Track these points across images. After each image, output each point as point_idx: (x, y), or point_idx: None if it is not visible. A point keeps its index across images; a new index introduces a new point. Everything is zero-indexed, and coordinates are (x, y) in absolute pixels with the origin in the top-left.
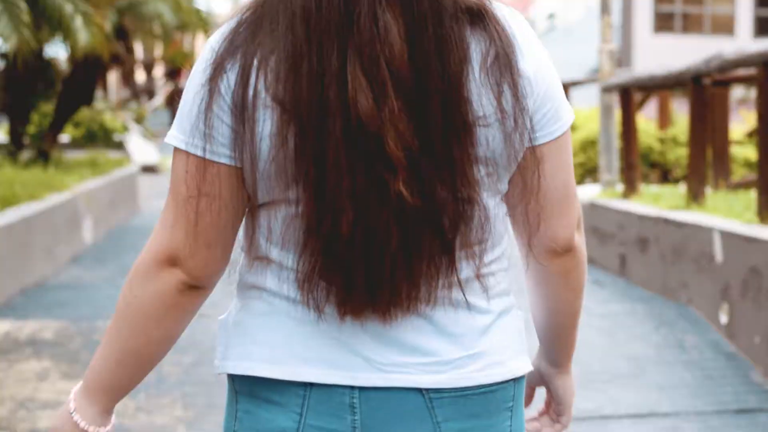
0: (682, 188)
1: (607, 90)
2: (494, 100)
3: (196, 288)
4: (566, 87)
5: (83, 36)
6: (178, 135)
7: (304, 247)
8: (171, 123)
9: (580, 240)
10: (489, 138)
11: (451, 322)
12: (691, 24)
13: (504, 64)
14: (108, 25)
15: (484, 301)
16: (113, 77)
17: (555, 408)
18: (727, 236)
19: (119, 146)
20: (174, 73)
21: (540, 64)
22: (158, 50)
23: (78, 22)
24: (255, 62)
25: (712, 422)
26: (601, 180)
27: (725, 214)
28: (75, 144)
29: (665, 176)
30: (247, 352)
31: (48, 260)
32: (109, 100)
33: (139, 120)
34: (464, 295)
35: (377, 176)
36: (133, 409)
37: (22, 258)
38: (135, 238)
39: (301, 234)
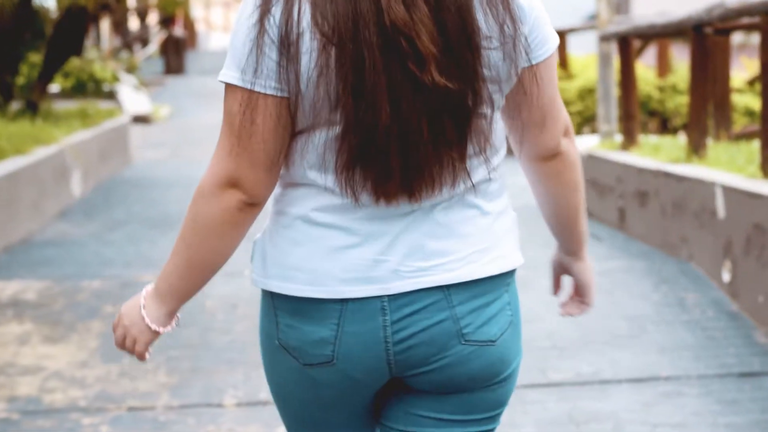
0: (682, 139)
1: (605, 39)
2: (497, 27)
3: (253, 205)
4: (563, 34)
5: None
6: (230, 72)
7: (341, 145)
8: (165, 71)
9: (568, 144)
10: (493, 57)
11: (462, 223)
12: None
13: None
14: None
15: (486, 203)
16: (106, 25)
17: (579, 290)
18: (730, 191)
19: (110, 96)
20: (168, 21)
21: None
22: None
23: None
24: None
25: (715, 386)
26: (600, 131)
27: (727, 167)
28: (65, 94)
29: (664, 125)
30: (289, 274)
31: (34, 216)
32: (101, 48)
33: (131, 70)
34: (475, 191)
35: (410, 72)
36: (116, 374)
37: (8, 214)
38: (126, 190)
39: (339, 142)
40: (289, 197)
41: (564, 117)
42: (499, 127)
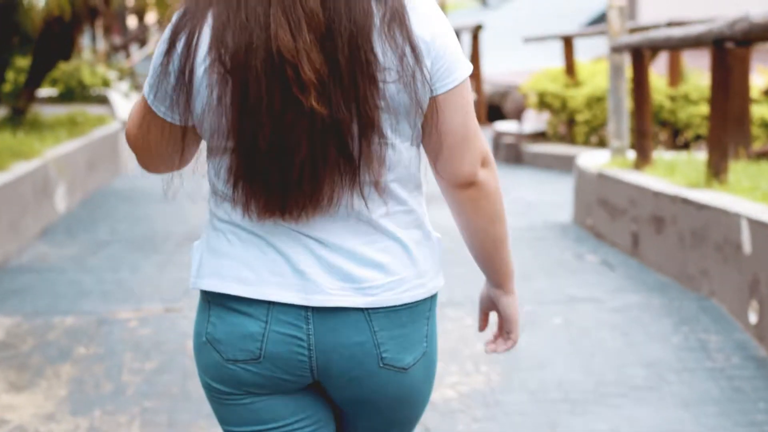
0: (699, 156)
1: (616, 50)
2: (396, 58)
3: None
4: (569, 39)
5: None
6: (147, 81)
7: (230, 162)
8: None
9: (486, 174)
10: (392, 91)
11: (380, 251)
12: None
13: (399, 23)
14: None
15: (402, 231)
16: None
17: (505, 325)
18: (757, 225)
19: (102, 100)
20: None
21: (434, 26)
22: None
23: None
24: (198, 30)
25: None
26: (610, 147)
27: (751, 194)
28: (54, 99)
29: (675, 135)
30: (221, 273)
31: (13, 237)
32: (97, 49)
33: (123, 75)
34: (387, 218)
35: (293, 97)
36: (86, 429)
37: None
38: (113, 204)
39: (229, 160)
40: (217, 203)
41: (481, 146)
42: (412, 156)
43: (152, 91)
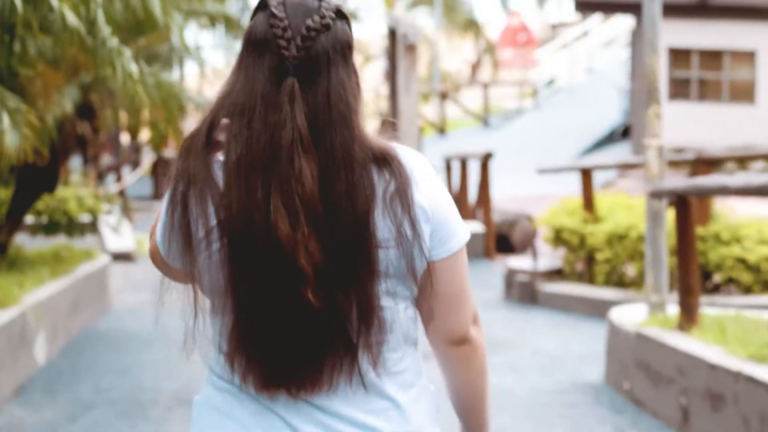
0: (748, 313)
1: (656, 195)
2: (394, 229)
3: None
4: (588, 172)
5: (11, 138)
6: (157, 233)
7: (230, 338)
8: (153, 195)
9: (475, 332)
10: (390, 257)
11: (375, 416)
12: (708, 91)
13: (402, 197)
14: (69, 105)
15: (400, 393)
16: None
17: None
18: None
19: (91, 228)
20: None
21: (434, 196)
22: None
23: (5, 122)
24: (200, 198)
25: None
26: (648, 301)
27: None
28: (39, 228)
29: (705, 277)
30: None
31: None
32: (87, 170)
33: (113, 204)
34: (366, 387)
35: (290, 286)
36: None
37: None
38: (98, 351)
39: (228, 331)
40: (215, 359)
41: (472, 304)
42: (409, 317)
43: (163, 242)
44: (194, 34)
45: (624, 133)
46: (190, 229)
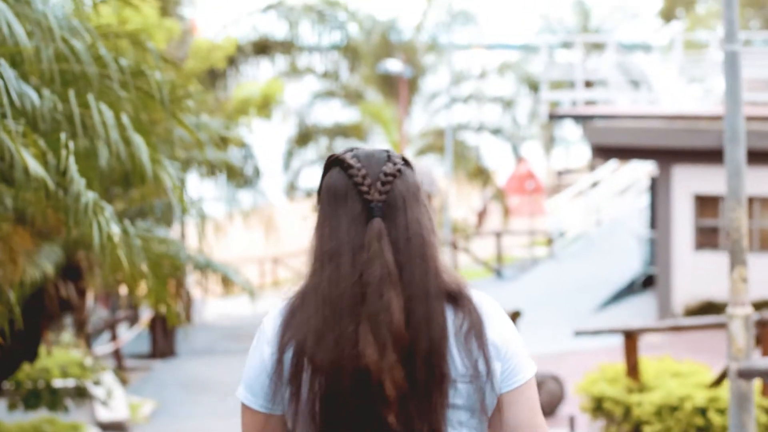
0: None
1: (746, 376)
2: (470, 365)
3: None
4: (633, 334)
5: None
6: (246, 395)
7: None
8: (151, 354)
9: None
10: (464, 391)
11: None
12: None
13: (477, 336)
14: (49, 266)
15: None
16: (89, 297)
17: None
18: None
19: (79, 394)
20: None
21: (505, 334)
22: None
23: None
24: (293, 341)
25: None
26: None
27: None
28: (18, 403)
29: None
30: None
31: None
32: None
33: (99, 371)
34: None
35: (373, 410)
36: None
37: None
38: None
39: None
40: None
41: None
42: None
43: (264, 397)
44: (196, 185)
45: (644, 283)
46: (284, 365)
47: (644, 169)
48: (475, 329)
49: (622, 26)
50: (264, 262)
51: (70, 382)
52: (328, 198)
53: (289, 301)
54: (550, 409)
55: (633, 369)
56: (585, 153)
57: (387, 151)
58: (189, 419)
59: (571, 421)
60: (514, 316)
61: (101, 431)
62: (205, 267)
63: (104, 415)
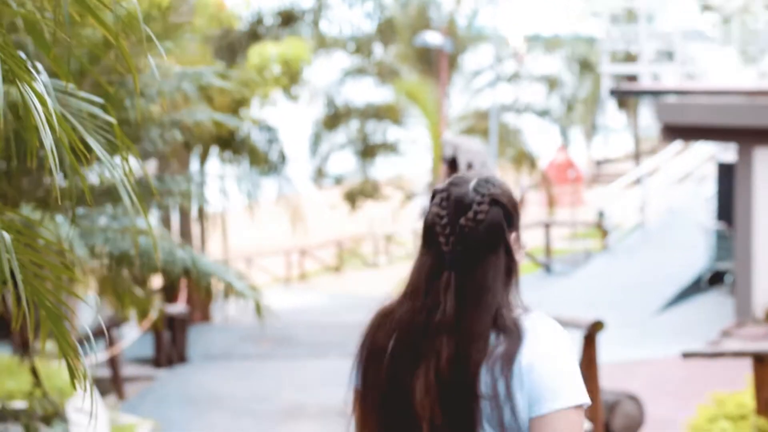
0: None
1: None
2: (491, 386)
3: None
4: (765, 358)
5: None
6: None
7: None
8: (155, 361)
9: None
10: (487, 410)
11: None
12: None
13: (504, 360)
14: None
15: None
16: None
17: None
18: None
19: (52, 418)
20: (170, 290)
21: (539, 356)
22: None
23: None
24: (365, 359)
25: None
26: None
27: None
28: None
29: None
30: None
31: None
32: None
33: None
34: None
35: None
36: None
37: None
38: None
39: None
40: None
41: None
42: None
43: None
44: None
45: (711, 280)
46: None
47: (706, 154)
48: (506, 354)
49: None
50: (291, 253)
51: (42, 404)
52: (423, 233)
53: (372, 321)
54: None
55: (765, 403)
56: (626, 142)
57: (477, 190)
58: None
59: None
60: (596, 327)
61: None
62: (193, 269)
63: None
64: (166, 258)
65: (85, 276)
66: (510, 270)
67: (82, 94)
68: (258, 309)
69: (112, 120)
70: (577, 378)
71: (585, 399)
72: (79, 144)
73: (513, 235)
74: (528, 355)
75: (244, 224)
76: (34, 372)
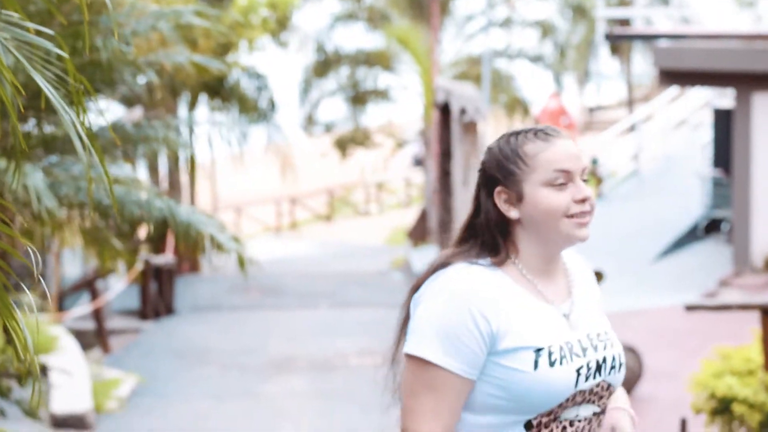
0: None
1: None
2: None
3: None
4: None
5: None
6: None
7: None
8: (141, 314)
9: None
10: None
11: None
12: None
13: (408, 292)
14: None
15: None
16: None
17: None
18: None
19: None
20: (157, 239)
21: (417, 303)
22: None
23: None
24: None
25: None
26: None
27: None
28: None
29: None
30: None
31: None
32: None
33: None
34: None
35: None
36: None
37: None
38: None
39: None
40: None
41: (403, 424)
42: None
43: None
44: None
45: (707, 228)
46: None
47: (702, 101)
48: (413, 286)
49: None
50: (281, 202)
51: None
52: None
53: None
54: (626, 388)
55: None
56: (619, 89)
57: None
58: (177, 401)
59: (683, 426)
60: (597, 277)
61: (53, 430)
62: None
63: (59, 404)
64: (143, 208)
65: (61, 228)
66: (489, 223)
67: (29, 24)
68: (241, 262)
69: (64, 54)
70: (419, 329)
71: (415, 351)
72: (17, 83)
73: (501, 193)
74: (417, 296)
75: (233, 173)
76: (5, 329)
